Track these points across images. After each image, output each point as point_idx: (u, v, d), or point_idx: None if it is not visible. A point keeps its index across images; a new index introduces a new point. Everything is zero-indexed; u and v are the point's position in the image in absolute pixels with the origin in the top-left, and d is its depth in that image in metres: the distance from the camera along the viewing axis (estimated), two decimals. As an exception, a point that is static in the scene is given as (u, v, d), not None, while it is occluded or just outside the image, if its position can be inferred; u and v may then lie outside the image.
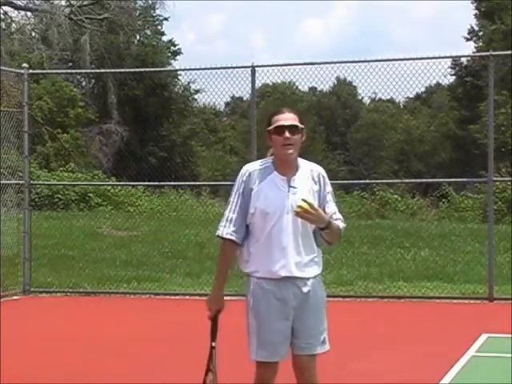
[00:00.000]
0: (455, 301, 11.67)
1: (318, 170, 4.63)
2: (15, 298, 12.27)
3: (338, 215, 4.57)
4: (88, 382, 6.88)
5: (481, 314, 10.70)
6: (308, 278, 4.51)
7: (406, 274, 13.54)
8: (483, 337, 8.51)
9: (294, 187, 4.50)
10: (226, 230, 4.53)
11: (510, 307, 10.27)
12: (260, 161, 4.64)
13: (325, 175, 4.62)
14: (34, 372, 7.20)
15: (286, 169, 4.52)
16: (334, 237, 4.54)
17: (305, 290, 4.49)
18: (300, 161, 4.60)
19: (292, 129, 4.48)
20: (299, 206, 4.34)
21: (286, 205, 4.47)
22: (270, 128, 4.52)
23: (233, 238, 4.51)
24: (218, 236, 4.57)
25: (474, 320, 10.08)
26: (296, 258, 4.47)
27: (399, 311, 11.15)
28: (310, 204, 4.35)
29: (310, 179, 4.55)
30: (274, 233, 4.46)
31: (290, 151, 4.48)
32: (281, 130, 4.47)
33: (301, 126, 4.52)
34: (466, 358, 7.54)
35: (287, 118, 4.50)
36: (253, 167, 4.58)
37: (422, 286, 12.49)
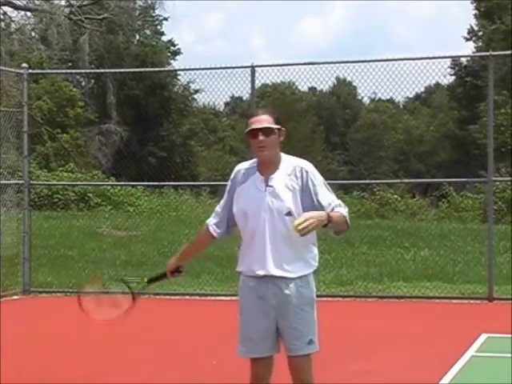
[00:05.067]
0: (455, 301, 11.67)
1: (302, 165, 4.60)
2: (15, 297, 12.27)
3: (336, 201, 4.53)
4: (88, 382, 6.89)
5: (480, 314, 10.70)
6: (291, 279, 4.50)
7: (405, 274, 13.53)
8: (483, 337, 8.51)
9: (270, 186, 4.53)
10: (211, 219, 4.74)
11: (509, 307, 10.28)
12: (251, 161, 4.70)
13: (308, 169, 4.57)
14: (34, 372, 7.20)
15: (266, 169, 4.57)
16: (341, 225, 4.49)
17: (286, 290, 4.50)
18: (284, 159, 4.61)
19: (266, 131, 4.51)
20: (295, 228, 4.27)
21: (263, 204, 4.51)
22: (245, 131, 4.58)
23: (210, 228, 4.72)
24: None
25: (473, 320, 10.08)
26: (275, 258, 4.47)
27: (399, 311, 11.15)
28: (300, 220, 4.29)
29: (290, 176, 4.54)
30: (254, 232, 4.51)
31: (265, 153, 4.53)
32: (255, 133, 4.52)
33: (274, 126, 4.54)
34: (466, 358, 7.54)
35: (261, 121, 4.53)
36: (242, 167, 4.68)
37: (422, 286, 12.49)
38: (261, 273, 4.48)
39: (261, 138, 4.50)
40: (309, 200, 4.51)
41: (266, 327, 4.52)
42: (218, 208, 4.73)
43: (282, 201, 4.49)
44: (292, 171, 4.56)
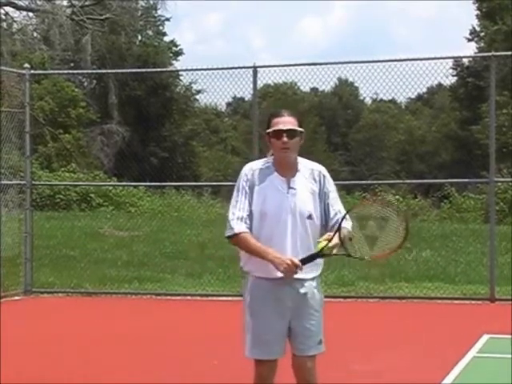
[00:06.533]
0: (457, 301, 11.66)
1: (319, 168, 4.63)
2: (16, 298, 12.26)
3: (342, 212, 4.57)
4: (88, 382, 6.89)
5: (482, 314, 10.69)
6: (305, 280, 4.51)
7: (407, 274, 13.52)
8: (484, 337, 8.50)
9: (293, 188, 4.51)
10: (240, 227, 4.45)
11: (511, 308, 10.27)
12: (262, 160, 4.65)
13: (325, 174, 4.62)
14: (34, 372, 7.20)
15: (286, 170, 4.54)
16: None
17: (302, 290, 4.51)
18: (300, 161, 4.60)
19: (290, 133, 4.49)
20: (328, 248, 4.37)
21: (284, 206, 4.48)
22: (268, 131, 4.54)
23: (247, 230, 4.44)
24: (232, 235, 4.47)
25: (475, 321, 10.07)
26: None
27: (400, 312, 11.14)
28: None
29: (310, 179, 4.56)
30: (272, 234, 4.46)
31: (288, 155, 4.51)
32: (279, 134, 4.49)
33: (300, 129, 4.53)
34: (468, 358, 7.53)
35: (286, 122, 4.51)
36: (255, 166, 4.59)
37: (424, 286, 12.48)
38: (279, 274, 4.43)
39: (285, 139, 4.47)
40: (322, 205, 4.55)
41: (281, 328, 4.51)
42: (239, 212, 4.46)
43: (304, 204, 4.49)
44: (310, 174, 4.57)
